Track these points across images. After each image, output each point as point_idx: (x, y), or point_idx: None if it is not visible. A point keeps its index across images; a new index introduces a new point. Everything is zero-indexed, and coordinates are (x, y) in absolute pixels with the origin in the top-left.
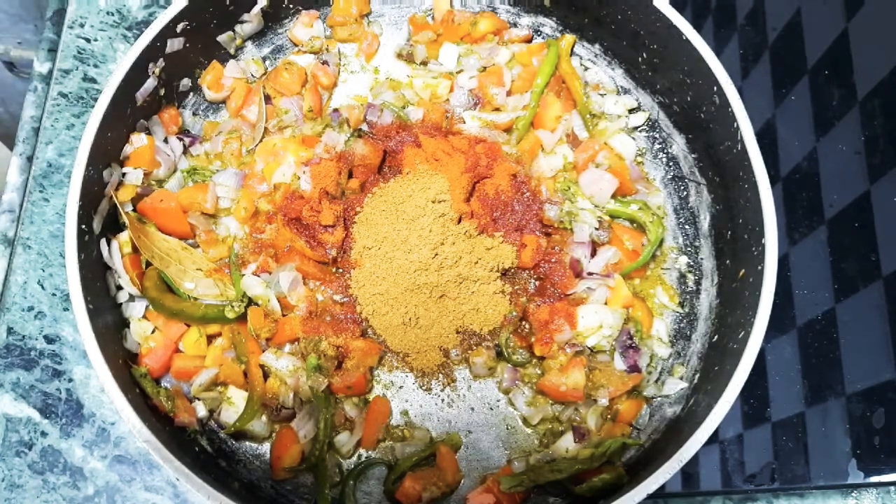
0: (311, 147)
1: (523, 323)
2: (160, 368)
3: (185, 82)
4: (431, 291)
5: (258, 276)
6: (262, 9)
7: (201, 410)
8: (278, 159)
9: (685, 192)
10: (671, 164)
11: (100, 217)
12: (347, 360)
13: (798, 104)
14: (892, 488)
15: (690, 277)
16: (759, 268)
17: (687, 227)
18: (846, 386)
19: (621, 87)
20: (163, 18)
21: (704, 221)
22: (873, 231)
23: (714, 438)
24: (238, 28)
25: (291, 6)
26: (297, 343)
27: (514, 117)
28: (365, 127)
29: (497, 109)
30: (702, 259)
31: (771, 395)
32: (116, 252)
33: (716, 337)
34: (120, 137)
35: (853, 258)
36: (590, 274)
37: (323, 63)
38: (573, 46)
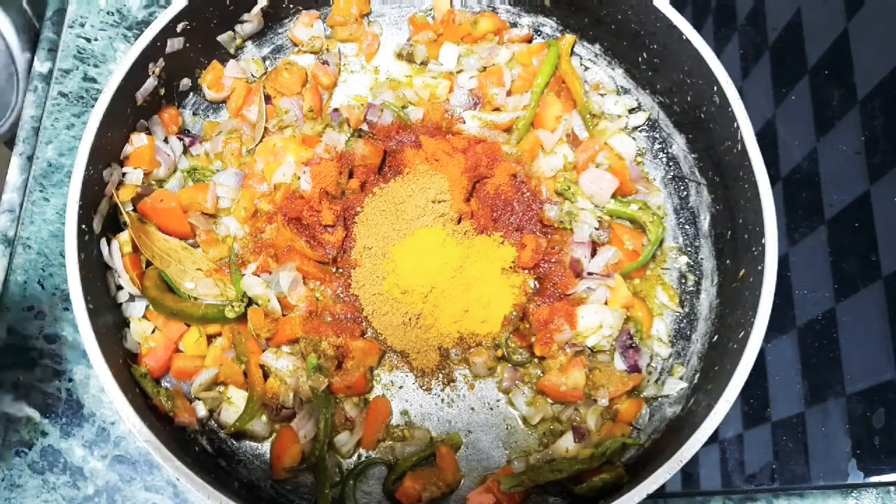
0: (312, 147)
1: (523, 323)
2: (160, 368)
3: (185, 82)
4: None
5: (258, 276)
6: (262, 9)
7: (201, 410)
8: (278, 159)
9: (685, 192)
10: (671, 164)
11: (100, 217)
12: (347, 359)
13: (798, 104)
14: (892, 488)
15: (690, 277)
16: (759, 268)
17: (687, 227)
18: (846, 386)
19: (621, 87)
20: (163, 18)
21: (704, 221)
22: (873, 231)
23: (714, 438)
24: (238, 28)
25: (291, 6)
26: (297, 343)
27: (514, 117)
28: (365, 127)
29: (497, 109)
30: (702, 259)
31: (771, 395)
32: (116, 252)
33: (716, 337)
34: (120, 137)
35: (853, 258)
36: (590, 274)
37: (323, 63)
38: (573, 46)
